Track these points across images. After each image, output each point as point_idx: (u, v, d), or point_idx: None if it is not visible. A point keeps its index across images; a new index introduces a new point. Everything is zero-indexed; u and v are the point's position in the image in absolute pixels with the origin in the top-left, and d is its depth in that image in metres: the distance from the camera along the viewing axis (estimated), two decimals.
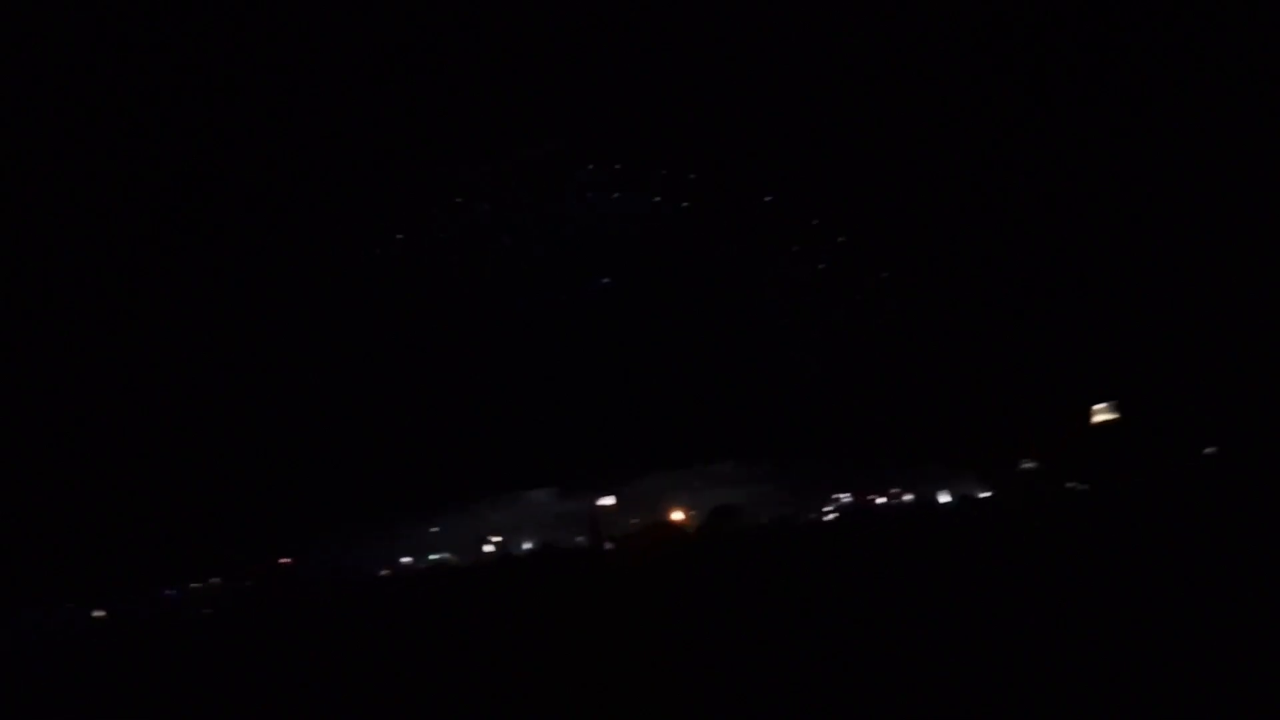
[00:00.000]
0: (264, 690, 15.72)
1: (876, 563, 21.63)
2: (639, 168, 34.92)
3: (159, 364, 33.05)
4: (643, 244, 35.14)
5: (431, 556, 34.02)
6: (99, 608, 31.87)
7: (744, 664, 12.69)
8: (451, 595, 29.17)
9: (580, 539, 32.96)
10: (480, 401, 34.04)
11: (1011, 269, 32.78)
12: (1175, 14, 28.76)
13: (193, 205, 32.53)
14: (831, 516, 32.62)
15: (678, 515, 32.71)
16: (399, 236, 35.00)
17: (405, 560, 33.71)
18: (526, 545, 33.68)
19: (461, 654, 16.69)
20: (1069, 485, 30.44)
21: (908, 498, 32.67)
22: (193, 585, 32.77)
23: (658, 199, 34.84)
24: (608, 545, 32.07)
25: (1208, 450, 28.82)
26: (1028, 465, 31.84)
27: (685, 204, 34.88)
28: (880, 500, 32.90)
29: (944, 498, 32.29)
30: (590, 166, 34.98)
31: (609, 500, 33.11)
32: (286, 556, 33.16)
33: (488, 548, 33.79)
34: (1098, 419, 31.58)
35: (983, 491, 31.79)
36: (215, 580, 32.84)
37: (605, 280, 35.11)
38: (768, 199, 34.67)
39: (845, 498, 32.97)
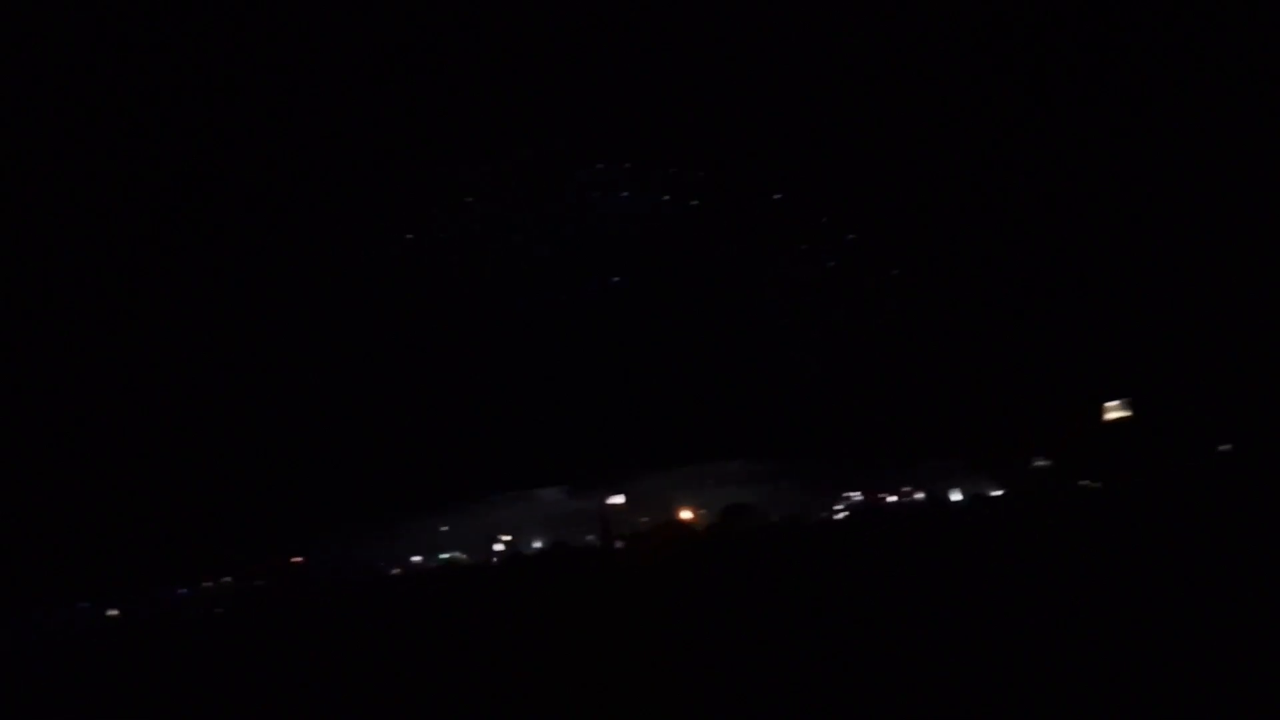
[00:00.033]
0: (276, 686, 15.79)
1: (887, 561, 21.57)
2: (648, 167, 34.90)
3: (172, 368, 33.24)
4: (652, 243, 35.13)
5: (442, 555, 34.12)
6: (114, 606, 32.12)
7: (755, 661, 12.68)
8: (462, 593, 29.24)
9: (590, 537, 33.00)
10: (490, 401, 34.10)
11: (1023, 268, 32.62)
12: (1182, 13, 28.57)
13: (197, 206, 32.68)
14: (842, 515, 32.55)
15: (687, 514, 32.70)
16: (408, 236, 35.10)
17: (416, 559, 33.81)
18: (537, 544, 33.73)
19: (474, 651, 16.73)
20: (1082, 483, 30.29)
21: (919, 496, 32.56)
22: (205, 584, 32.96)
23: (667, 197, 34.81)
24: (618, 544, 32.11)
25: (1222, 448, 28.64)
26: (1040, 463, 31.70)
27: (694, 202, 34.83)
28: (891, 499, 32.80)
29: (955, 496, 32.18)
30: (600, 165, 34.99)
31: (618, 499, 33.12)
32: (298, 555, 33.32)
33: (498, 546, 33.86)
34: (1110, 417, 31.41)
35: (995, 490, 31.67)
36: (227, 579, 33.02)
37: (615, 279, 35.12)
38: (777, 197, 34.59)
39: (856, 496, 32.89)
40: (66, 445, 32.19)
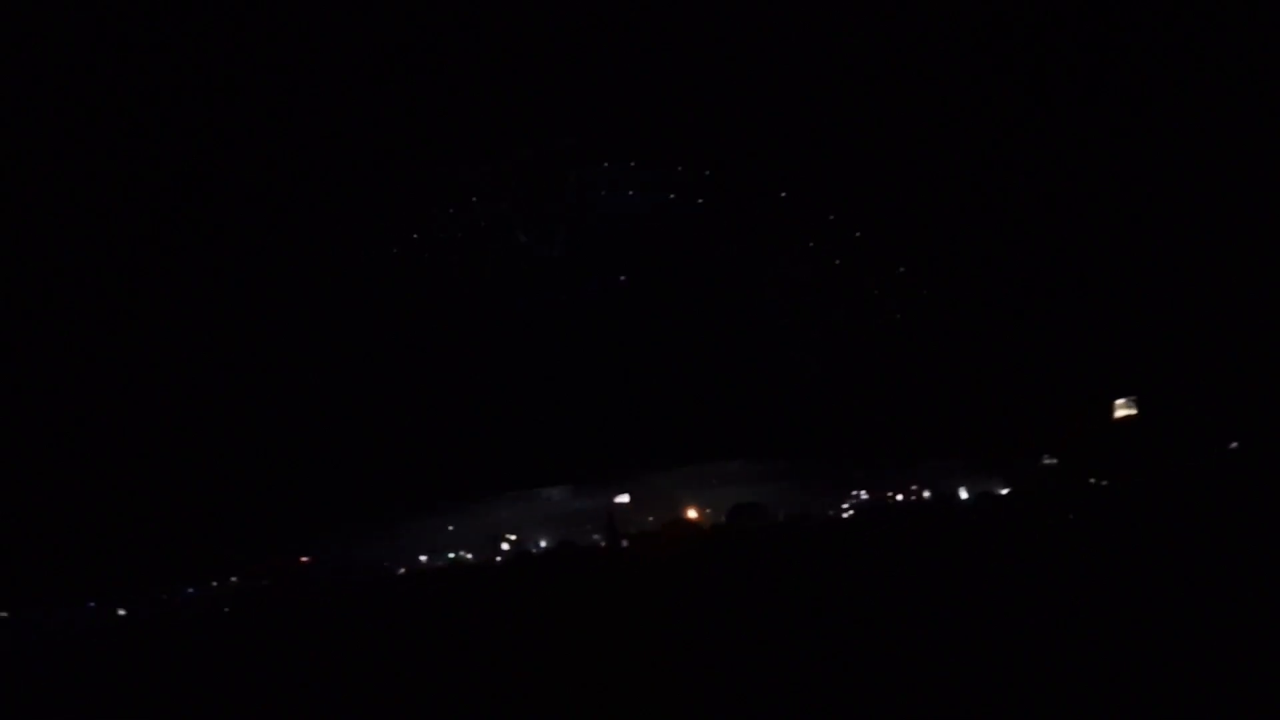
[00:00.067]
0: (283, 685, 15.83)
1: (893, 560, 21.51)
2: (654, 167, 34.85)
3: (178, 370, 33.33)
4: (658, 242, 35.07)
5: (449, 555, 34.16)
6: (123, 606, 32.26)
7: (762, 659, 12.67)
8: (469, 592, 29.27)
9: (596, 536, 32.99)
10: (496, 401, 34.08)
11: (1032, 267, 32.50)
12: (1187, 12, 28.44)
13: (199, 207, 32.74)
14: (848, 514, 32.47)
15: (692, 513, 32.68)
16: (414, 237, 35.12)
17: (423, 558, 33.85)
18: (543, 543, 33.73)
19: (482, 649, 16.74)
20: (1090, 481, 30.18)
21: (926, 494, 32.46)
22: (212, 584, 33.05)
23: (674, 197, 34.75)
24: (624, 543, 32.10)
25: (1232, 445, 28.50)
26: (1048, 461, 31.58)
27: (701, 202, 34.77)
28: (898, 497, 32.70)
29: (963, 494, 32.07)
30: (606, 164, 34.95)
31: (624, 498, 33.10)
32: (306, 555, 33.39)
33: (504, 545, 33.87)
34: (1118, 414, 31.28)
35: (1002, 488, 31.55)
36: (234, 579, 33.11)
37: (621, 279, 35.08)
38: (783, 195, 34.51)
39: (863, 495, 32.80)
40: (74, 448, 32.31)
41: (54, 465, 31.80)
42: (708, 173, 34.81)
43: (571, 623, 18.46)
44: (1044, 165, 31.91)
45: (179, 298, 33.24)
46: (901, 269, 34.51)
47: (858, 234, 34.69)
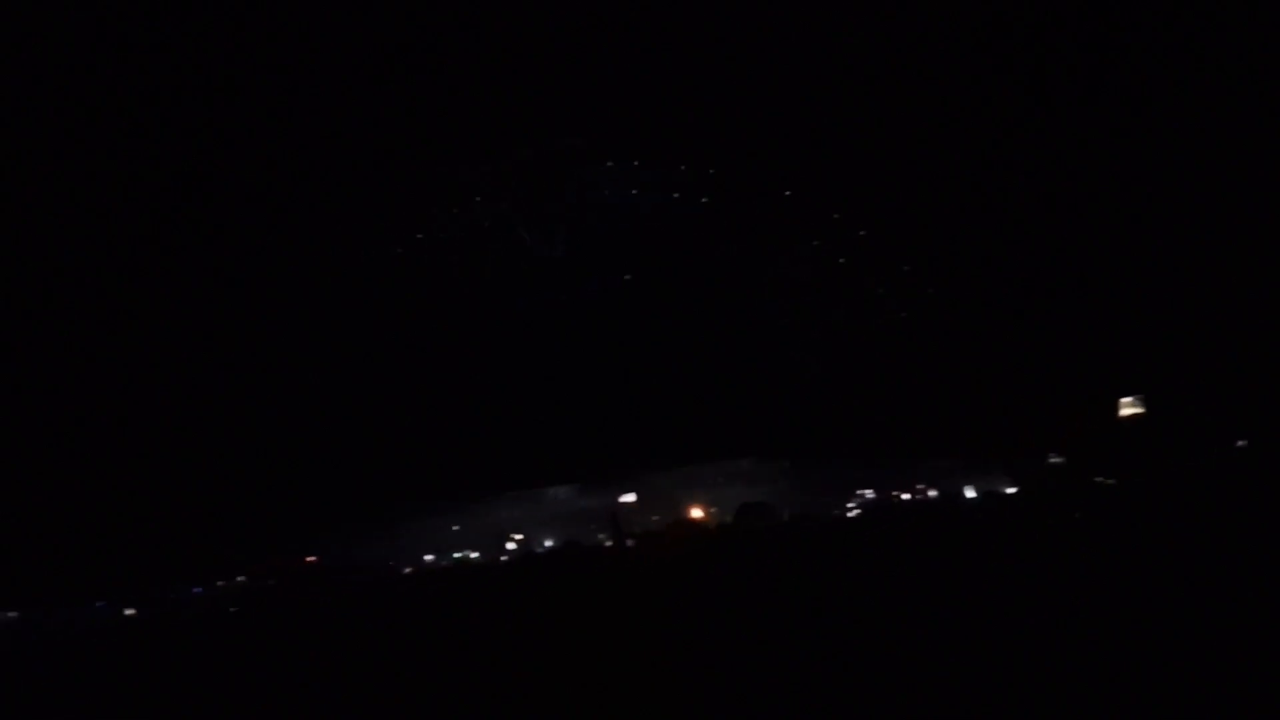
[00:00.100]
0: (290, 684, 15.83)
1: (900, 559, 21.47)
2: (656, 164, 34.85)
3: (178, 368, 33.40)
4: (662, 240, 35.07)
5: (455, 555, 34.18)
6: (129, 606, 32.34)
7: (767, 659, 12.64)
8: (475, 593, 29.27)
9: (602, 536, 32.99)
10: (499, 399, 34.11)
11: (1036, 265, 32.42)
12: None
13: (200, 206, 32.80)
14: (854, 513, 32.42)
15: (697, 512, 32.66)
16: (417, 236, 35.16)
17: (428, 558, 33.89)
18: (548, 543, 33.74)
19: (488, 650, 16.73)
20: (1097, 480, 30.09)
21: (932, 494, 32.40)
22: (219, 583, 33.13)
23: (677, 194, 34.74)
24: (629, 542, 32.09)
25: (1240, 443, 28.41)
26: (1054, 460, 31.49)
27: (705, 199, 34.76)
28: (904, 496, 32.65)
29: (969, 493, 32.00)
30: (609, 163, 34.95)
31: (629, 497, 33.10)
32: (311, 555, 33.45)
33: (510, 545, 33.90)
34: (1124, 413, 31.19)
35: (1008, 487, 31.48)
36: (241, 578, 33.19)
37: (626, 277, 35.08)
38: (787, 193, 34.48)
39: (868, 494, 32.75)
40: (80, 447, 32.40)
41: (60, 466, 31.91)
42: (711, 172, 34.79)
43: (577, 622, 18.44)
44: (1047, 163, 31.85)
45: (186, 300, 33.31)
46: (906, 267, 34.46)
47: (862, 233, 34.65)
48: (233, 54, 30.26)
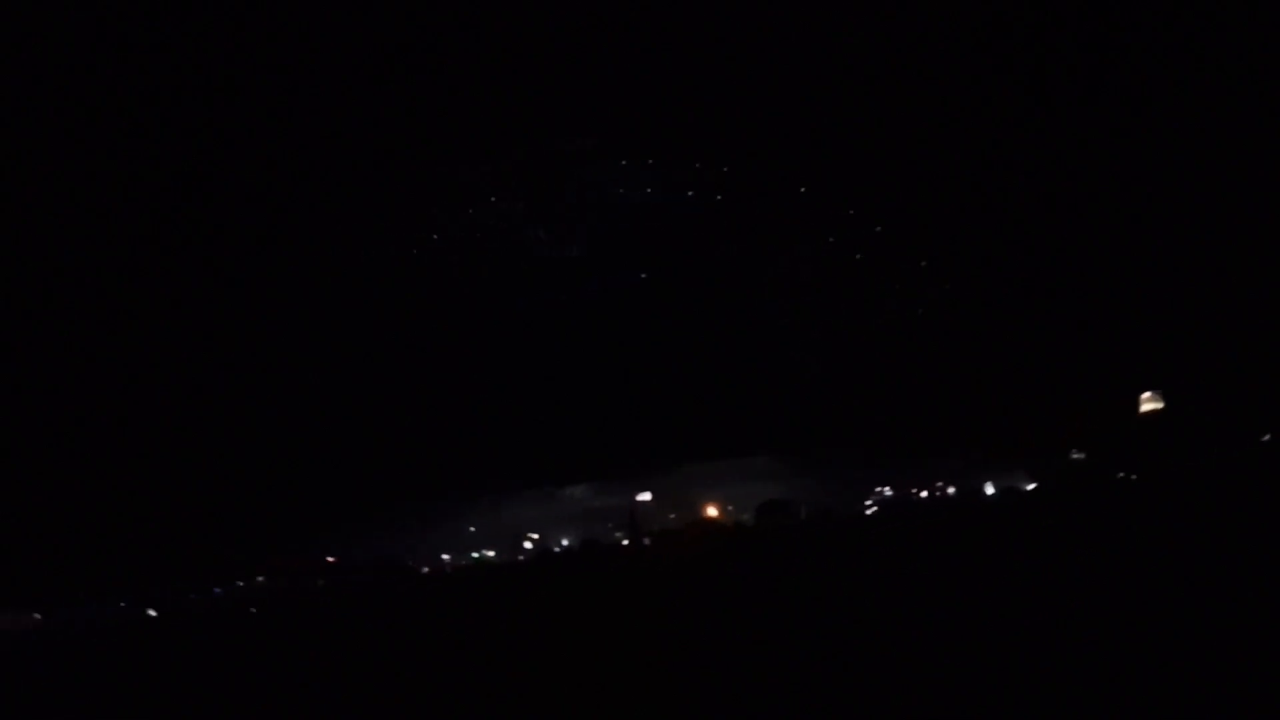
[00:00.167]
0: (310, 684, 15.94)
1: (919, 556, 21.34)
2: (674, 162, 34.75)
3: (202, 373, 33.66)
4: (679, 238, 34.97)
5: (473, 555, 34.30)
6: (151, 607, 32.71)
7: (785, 658, 12.61)
8: (494, 591, 29.38)
9: (619, 534, 32.99)
10: (515, 399, 34.15)
11: (1056, 260, 32.10)
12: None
13: (224, 208, 32.99)
14: (872, 510, 32.24)
15: (713, 510, 32.60)
16: (435, 237, 35.25)
17: (446, 558, 34.02)
18: (565, 541, 33.78)
19: (505, 649, 16.78)
20: (1119, 475, 29.81)
21: (951, 490, 32.17)
22: (239, 584, 33.41)
23: (692, 193, 34.63)
24: (646, 541, 32.08)
25: (1265, 438, 28.05)
26: (1076, 455, 31.21)
27: (719, 196, 34.64)
28: (923, 493, 32.43)
29: (988, 489, 31.76)
30: (624, 162, 34.90)
31: (646, 496, 33.07)
32: (330, 556, 33.66)
33: (527, 544, 33.96)
34: (1145, 407, 30.85)
35: (1028, 483, 31.22)
36: (260, 578, 33.44)
37: (643, 275, 35.03)
38: (803, 190, 34.30)
39: (886, 491, 32.56)
40: (103, 453, 32.72)
41: (83, 472, 32.23)
42: (725, 168, 34.66)
43: (596, 622, 18.45)
44: (1068, 158, 31.52)
45: (212, 310, 33.58)
46: (925, 263, 34.20)
47: (879, 228, 34.42)
48: (250, 56, 30.38)
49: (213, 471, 33.18)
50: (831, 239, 34.57)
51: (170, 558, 31.88)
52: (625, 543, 32.68)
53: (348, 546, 33.36)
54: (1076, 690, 9.44)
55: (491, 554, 34.04)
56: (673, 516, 32.81)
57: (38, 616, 31.89)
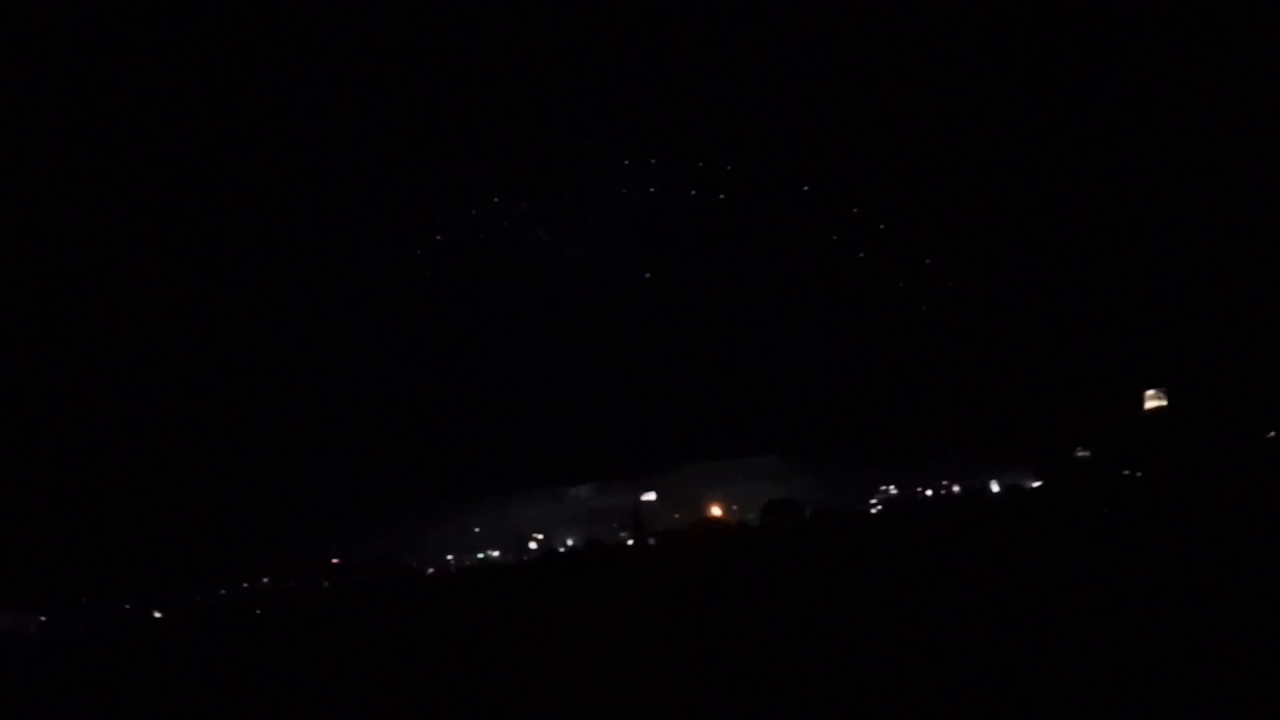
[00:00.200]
0: (316, 685, 15.95)
1: (925, 555, 21.32)
2: (676, 161, 34.73)
3: (202, 374, 33.69)
4: (682, 237, 34.95)
5: (478, 555, 34.31)
6: (157, 608, 32.76)
7: (790, 659, 12.60)
8: (499, 591, 29.40)
9: (623, 534, 32.98)
10: (518, 399, 34.15)
11: (1060, 258, 32.06)
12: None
13: (241, 210, 33.02)
14: (877, 509, 32.22)
15: (717, 510, 32.58)
16: (438, 237, 35.26)
17: (450, 558, 34.04)
18: (569, 541, 33.77)
19: (511, 649, 16.78)
20: (1125, 473, 29.77)
21: (956, 489, 32.13)
22: (244, 585, 33.43)
23: (694, 192, 34.61)
24: (651, 541, 32.06)
25: (1269, 434, 28.01)
26: (1081, 454, 31.18)
27: (722, 196, 34.61)
28: (927, 492, 32.40)
29: (994, 488, 31.72)
30: (625, 162, 34.88)
31: (651, 495, 33.06)
32: (335, 557, 33.68)
33: (531, 545, 33.96)
34: (1149, 405, 30.81)
35: (1033, 482, 31.17)
36: (265, 580, 33.47)
37: (646, 274, 35.02)
38: (805, 188, 34.26)
39: (891, 489, 32.53)
40: (109, 456, 32.75)
41: (87, 471, 32.27)
42: (728, 167, 34.63)
43: (601, 621, 18.45)
44: (1072, 157, 31.47)
45: (210, 306, 33.59)
46: (928, 261, 34.16)
47: (882, 227, 34.38)
48: (251, 56, 30.36)
49: (217, 472, 33.22)
50: (835, 237, 34.54)
51: (175, 559, 31.92)
52: (630, 543, 32.67)
53: (352, 548, 33.38)
54: (1082, 688, 9.43)
55: (496, 554, 34.06)
56: (677, 516, 32.80)
57: (43, 618, 31.94)
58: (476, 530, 34.01)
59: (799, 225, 34.61)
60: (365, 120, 32.84)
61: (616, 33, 31.26)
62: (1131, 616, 11.99)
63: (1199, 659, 9.71)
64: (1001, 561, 18.73)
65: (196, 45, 29.77)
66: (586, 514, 33.88)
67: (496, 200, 35.18)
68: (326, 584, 33.37)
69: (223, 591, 33.42)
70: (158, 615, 32.58)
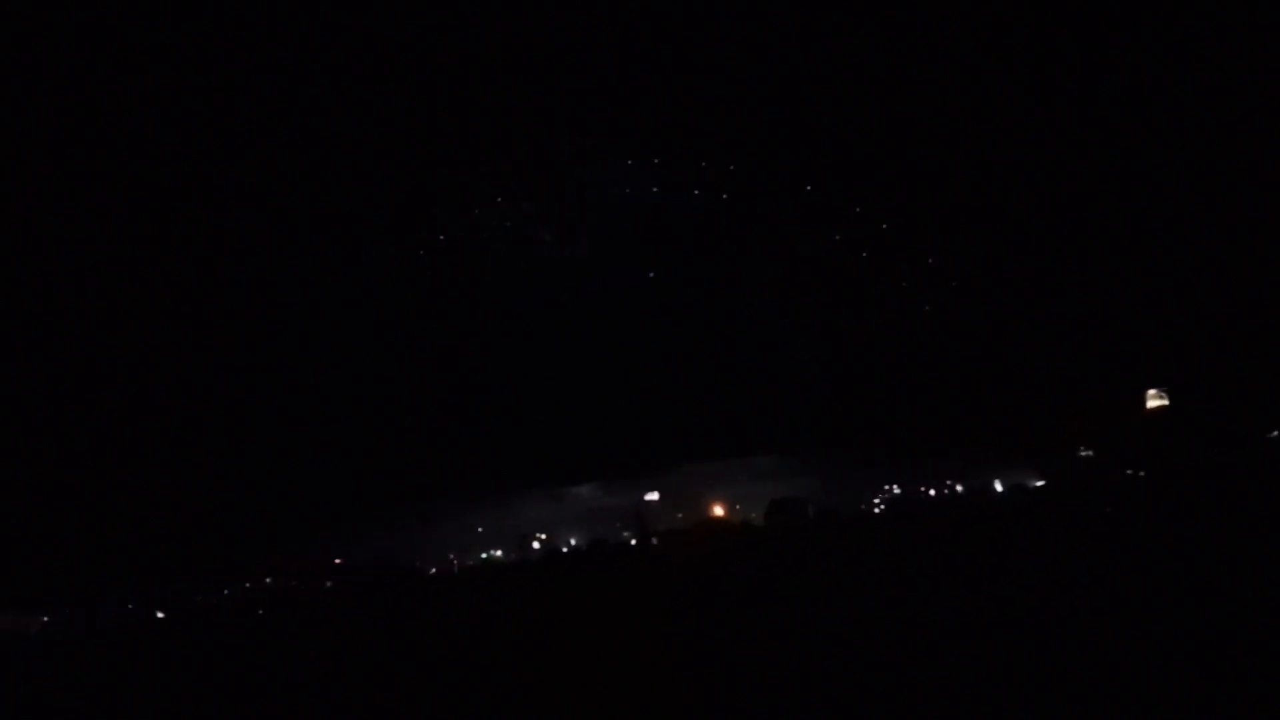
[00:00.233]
0: (318, 685, 15.94)
1: (927, 555, 21.31)
2: (676, 163, 34.75)
3: (208, 375, 33.73)
4: (685, 238, 34.98)
5: (482, 555, 34.34)
6: (160, 608, 32.79)
7: (792, 659, 12.59)
8: (503, 591, 29.39)
9: (626, 533, 33.00)
10: (523, 399, 34.17)
11: (1062, 258, 32.09)
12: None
13: (247, 211, 33.05)
14: (880, 508, 32.25)
15: (720, 510, 32.60)
16: (441, 237, 35.29)
17: (453, 558, 34.06)
18: (573, 541, 33.80)
19: (514, 649, 16.77)
20: (1127, 472, 29.81)
21: (959, 488, 32.17)
22: (246, 585, 33.46)
23: (696, 192, 34.63)
24: (654, 541, 32.09)
25: (1271, 434, 28.04)
26: (1084, 453, 31.23)
27: (725, 196, 34.63)
28: (931, 491, 32.44)
29: (997, 487, 31.76)
30: (626, 162, 34.90)
31: (654, 495, 33.08)
32: (338, 557, 33.71)
33: (535, 544, 33.99)
34: (1151, 404, 30.85)
35: (1036, 480, 31.21)
36: (268, 580, 33.49)
37: (650, 274, 35.05)
38: (808, 188, 34.28)
39: (895, 489, 32.56)
40: (113, 454, 32.78)
41: (89, 472, 32.29)
42: (732, 168, 34.65)
43: (604, 621, 18.44)
44: (1074, 158, 31.50)
45: (212, 306, 33.64)
46: (932, 261, 34.19)
47: (885, 226, 34.40)
48: (253, 57, 30.39)
49: (219, 473, 33.24)
50: (838, 237, 34.55)
51: (178, 559, 31.93)
52: (633, 542, 32.69)
53: (355, 548, 33.40)
54: (1084, 687, 9.42)
55: (499, 554, 34.08)
56: (680, 515, 32.83)
57: (44, 618, 31.96)
58: (479, 530, 34.03)
59: (801, 225, 34.63)
60: (367, 120, 32.88)
61: (616, 33, 31.26)
62: (1134, 615, 11.97)
63: (1200, 658, 9.70)
64: (1005, 561, 18.71)
65: (197, 45, 29.79)
66: (589, 514, 33.91)
67: (498, 200, 35.19)
68: (329, 584, 33.38)
69: (225, 591, 33.44)
70: (160, 615, 32.60)
